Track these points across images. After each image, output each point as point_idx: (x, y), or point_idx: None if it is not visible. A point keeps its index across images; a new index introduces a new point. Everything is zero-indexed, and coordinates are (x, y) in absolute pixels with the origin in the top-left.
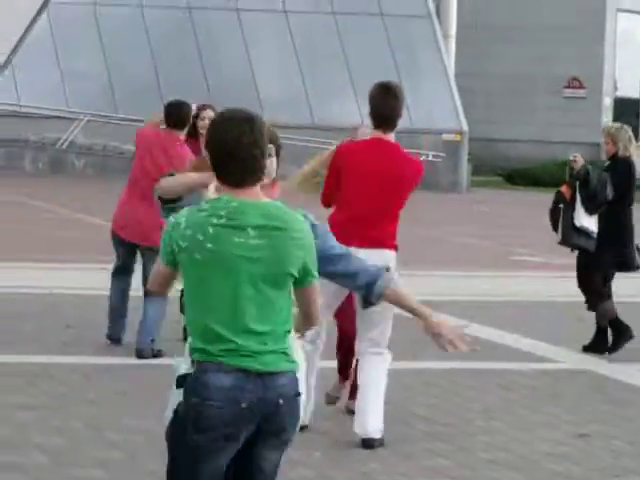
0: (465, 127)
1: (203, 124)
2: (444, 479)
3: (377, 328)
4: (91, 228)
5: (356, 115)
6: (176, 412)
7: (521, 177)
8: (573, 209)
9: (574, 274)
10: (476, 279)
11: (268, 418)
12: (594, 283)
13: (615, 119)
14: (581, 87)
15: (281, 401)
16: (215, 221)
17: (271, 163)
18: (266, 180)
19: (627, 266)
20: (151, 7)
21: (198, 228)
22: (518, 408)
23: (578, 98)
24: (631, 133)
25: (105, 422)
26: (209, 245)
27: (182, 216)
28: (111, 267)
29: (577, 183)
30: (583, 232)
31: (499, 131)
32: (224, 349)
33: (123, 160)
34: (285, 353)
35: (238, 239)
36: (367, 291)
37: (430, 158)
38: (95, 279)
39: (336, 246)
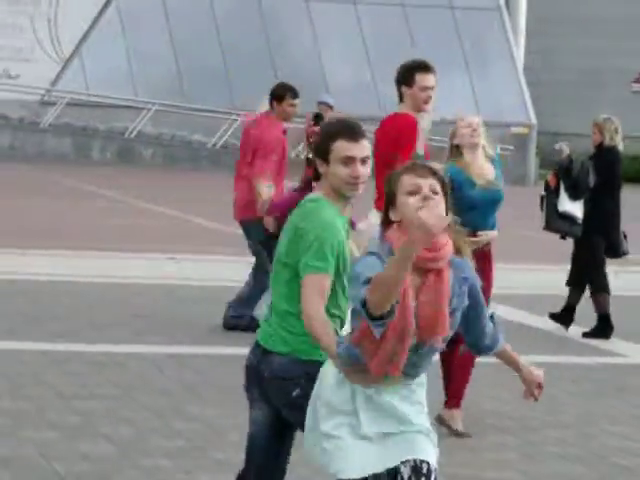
0: (533, 120)
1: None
2: (511, 472)
3: None
4: (159, 217)
5: None
6: None
7: None
8: (557, 196)
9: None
10: (543, 272)
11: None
12: (590, 270)
13: None
14: None
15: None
16: None
17: None
18: None
19: (613, 252)
20: None
21: None
22: (586, 402)
23: None
24: (618, 124)
25: (172, 411)
26: None
27: None
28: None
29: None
30: (567, 217)
31: (567, 124)
32: None
33: (190, 150)
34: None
35: None
36: (483, 351)
37: (498, 151)
38: (163, 269)
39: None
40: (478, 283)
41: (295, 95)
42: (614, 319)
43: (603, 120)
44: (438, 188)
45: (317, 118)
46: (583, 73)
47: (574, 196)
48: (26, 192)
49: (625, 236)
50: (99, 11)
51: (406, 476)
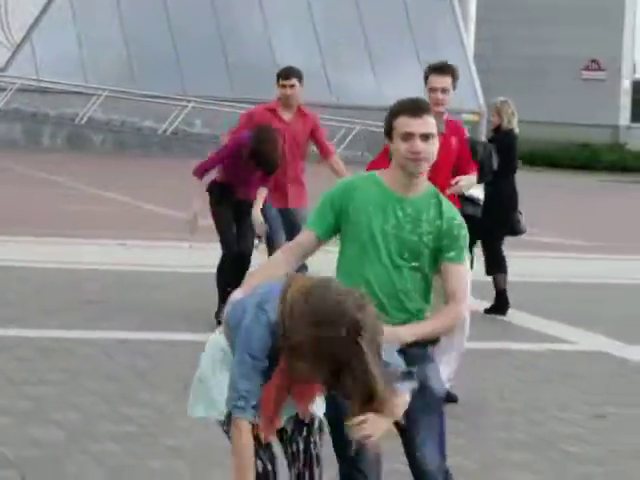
0: (484, 108)
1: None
2: (458, 458)
3: None
4: (109, 203)
5: (376, 94)
6: None
7: (540, 159)
8: None
9: (590, 256)
10: None
11: None
12: (491, 250)
13: (634, 102)
14: (600, 69)
15: None
16: None
17: None
18: None
19: (514, 231)
20: None
21: None
22: (533, 388)
23: (597, 80)
24: (514, 108)
25: (121, 397)
26: None
27: None
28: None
29: None
30: (470, 200)
31: (518, 112)
32: None
33: (141, 136)
34: None
35: None
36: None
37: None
38: (114, 255)
39: None
40: None
41: (285, 75)
42: (574, 305)
43: (501, 103)
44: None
45: None
46: (533, 60)
47: (479, 179)
48: None
49: (521, 213)
50: None
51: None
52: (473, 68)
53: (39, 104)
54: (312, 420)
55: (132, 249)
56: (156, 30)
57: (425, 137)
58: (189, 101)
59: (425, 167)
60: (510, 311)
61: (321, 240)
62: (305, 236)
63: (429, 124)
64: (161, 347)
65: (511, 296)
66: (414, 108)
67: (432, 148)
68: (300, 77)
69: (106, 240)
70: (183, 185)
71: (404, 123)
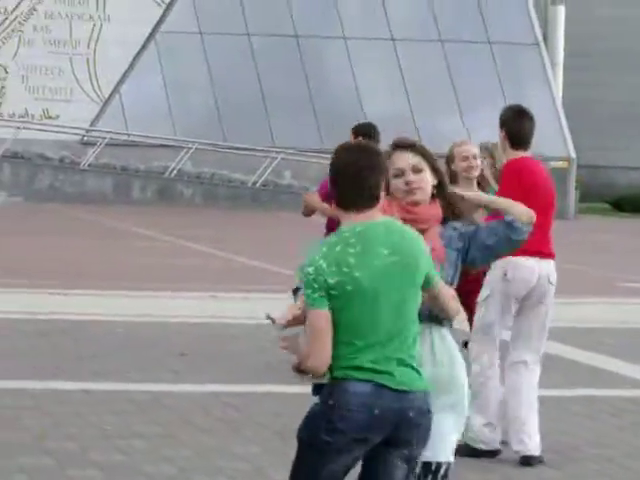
0: (573, 154)
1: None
2: None
3: (538, 337)
4: (199, 256)
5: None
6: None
7: (629, 204)
8: None
9: None
10: (581, 305)
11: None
12: None
13: None
14: None
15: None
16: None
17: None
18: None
19: None
20: (258, 35)
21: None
22: (629, 435)
23: None
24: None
25: (215, 450)
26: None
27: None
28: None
29: None
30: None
31: (607, 158)
32: None
33: (231, 189)
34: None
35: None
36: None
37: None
38: (204, 307)
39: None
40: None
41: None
42: None
43: (492, 145)
44: (422, 164)
45: None
46: (625, 106)
47: None
48: (67, 232)
49: None
50: (137, 52)
51: None
52: (562, 114)
53: (129, 158)
54: (439, 466)
55: (222, 301)
56: (244, 83)
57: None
58: (278, 152)
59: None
60: (601, 357)
61: None
62: None
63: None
64: (252, 399)
65: (600, 342)
66: (400, 145)
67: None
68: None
69: (196, 293)
70: (273, 237)
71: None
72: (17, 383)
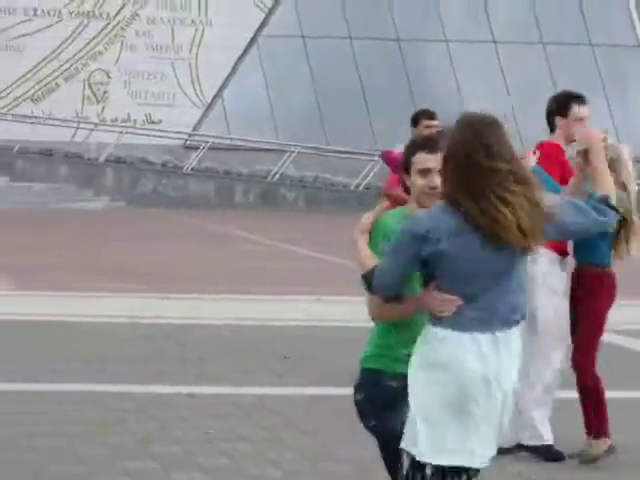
0: None
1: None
2: None
3: None
4: (303, 260)
5: None
6: None
7: None
8: None
9: None
10: None
11: None
12: None
13: None
14: None
15: None
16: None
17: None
18: None
19: None
20: (359, 38)
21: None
22: None
23: None
24: None
25: (320, 453)
26: None
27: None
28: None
29: None
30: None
31: None
32: None
33: (334, 192)
34: None
35: None
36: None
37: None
38: (310, 310)
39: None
40: None
41: (430, 116)
42: None
43: None
44: None
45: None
46: None
47: None
48: (170, 237)
49: None
50: (239, 56)
51: None
52: None
53: (231, 162)
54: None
55: (327, 304)
56: (346, 86)
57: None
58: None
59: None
60: None
61: None
62: None
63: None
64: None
65: None
66: (430, 145)
67: None
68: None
69: (301, 296)
70: None
71: (422, 159)
72: (121, 387)
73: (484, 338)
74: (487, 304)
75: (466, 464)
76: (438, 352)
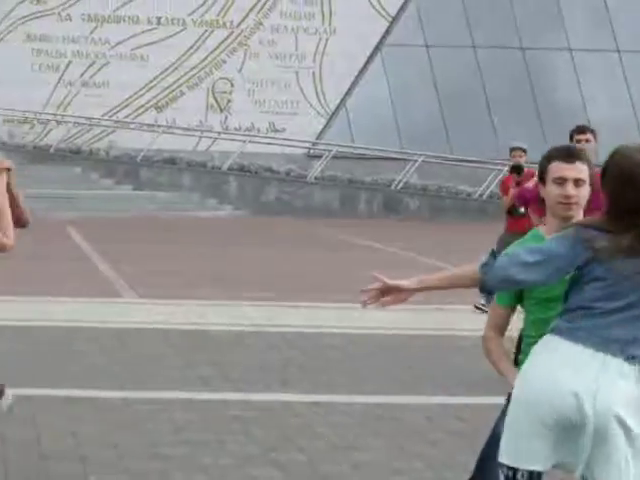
0: None
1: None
2: None
3: None
4: (426, 268)
5: None
6: None
7: None
8: None
9: None
10: None
11: None
12: None
13: None
14: None
15: None
16: None
17: None
18: None
19: None
20: (483, 47)
21: None
22: None
23: None
24: None
25: (443, 463)
26: None
27: None
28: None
29: None
30: None
31: None
32: None
33: (457, 201)
34: None
35: None
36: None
37: None
38: (431, 320)
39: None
40: None
41: (580, 130)
42: None
43: None
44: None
45: (515, 169)
46: None
47: None
48: (294, 245)
49: None
50: (363, 65)
51: None
52: None
53: (354, 170)
54: None
55: (448, 313)
56: (470, 95)
57: (577, 182)
58: (504, 164)
59: (575, 211)
60: None
61: None
62: None
63: (581, 170)
64: (479, 410)
65: None
66: (568, 154)
67: (583, 193)
68: (594, 133)
69: (422, 305)
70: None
71: (557, 168)
72: (246, 395)
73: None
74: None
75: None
76: None
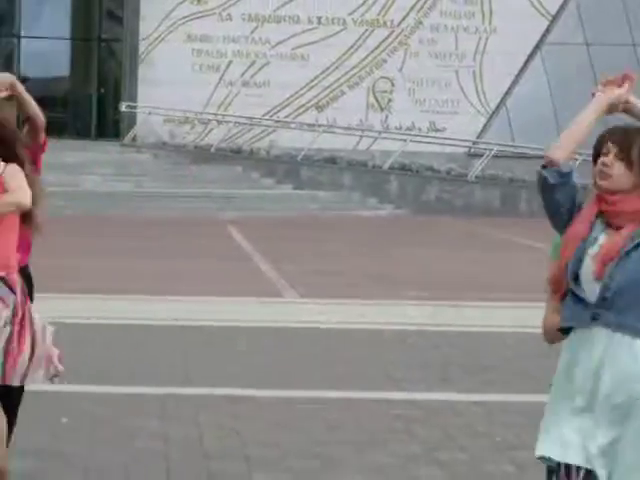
0: None
1: None
2: None
3: None
4: None
5: None
6: None
7: None
8: None
9: None
10: None
11: None
12: None
13: None
14: None
15: None
16: None
17: None
18: None
19: None
20: None
21: None
22: None
23: None
24: None
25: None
26: None
27: None
28: None
29: None
30: None
31: None
32: None
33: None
34: None
35: None
36: None
37: None
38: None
39: None
40: None
41: None
42: None
43: None
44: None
45: None
46: None
47: None
48: (456, 245)
49: None
50: (523, 64)
51: None
52: None
53: (515, 169)
54: None
55: None
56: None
57: None
58: None
59: None
60: None
61: None
62: None
63: None
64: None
65: None
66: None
67: None
68: None
69: None
70: None
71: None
72: (408, 394)
73: None
74: None
75: None
76: None
